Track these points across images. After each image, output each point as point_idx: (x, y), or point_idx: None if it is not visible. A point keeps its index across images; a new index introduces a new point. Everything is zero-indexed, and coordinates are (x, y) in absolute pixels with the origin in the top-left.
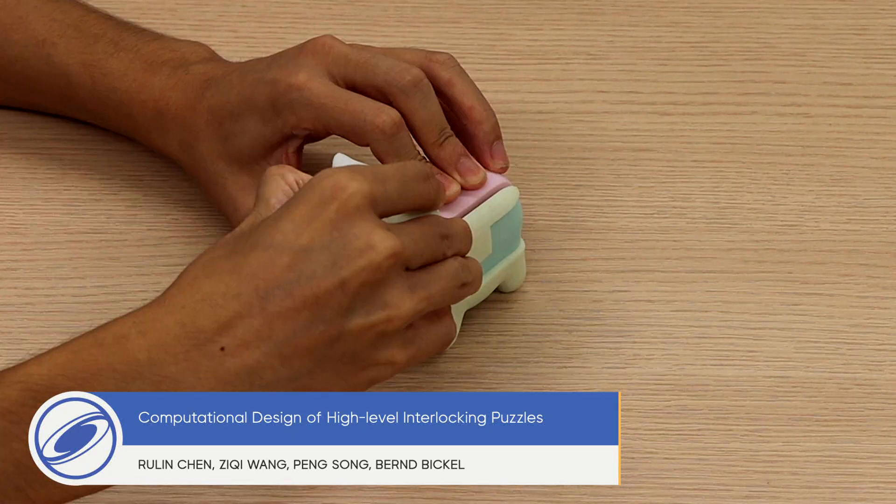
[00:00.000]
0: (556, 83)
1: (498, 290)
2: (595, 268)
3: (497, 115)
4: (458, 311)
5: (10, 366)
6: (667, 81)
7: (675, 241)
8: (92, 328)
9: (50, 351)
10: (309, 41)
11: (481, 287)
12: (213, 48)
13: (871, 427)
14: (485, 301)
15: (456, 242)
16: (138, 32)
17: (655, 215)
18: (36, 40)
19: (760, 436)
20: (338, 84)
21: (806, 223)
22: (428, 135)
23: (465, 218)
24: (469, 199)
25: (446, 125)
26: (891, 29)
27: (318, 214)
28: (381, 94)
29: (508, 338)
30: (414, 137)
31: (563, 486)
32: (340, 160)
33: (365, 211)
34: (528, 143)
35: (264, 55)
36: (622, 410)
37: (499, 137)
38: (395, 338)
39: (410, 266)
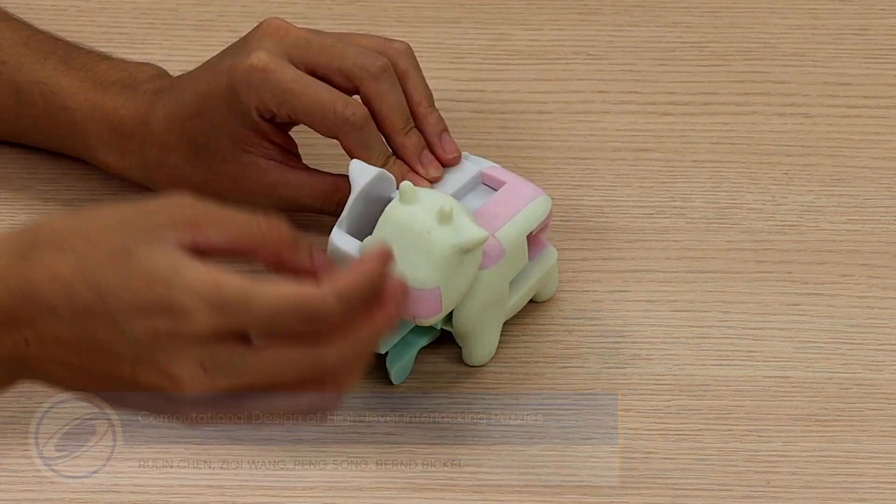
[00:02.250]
0: (556, 83)
1: (532, 301)
2: (595, 268)
3: (497, 115)
4: (496, 323)
5: None
6: (667, 81)
7: (675, 241)
8: None
9: None
10: (261, 23)
11: (518, 298)
12: (213, 48)
13: (871, 427)
14: None
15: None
16: (87, 53)
17: (655, 215)
18: None
19: (760, 436)
20: (298, 68)
21: (806, 223)
22: (395, 122)
23: (501, 230)
24: (504, 211)
25: (409, 115)
26: (891, 29)
27: (155, 315)
28: (346, 80)
29: (508, 338)
30: (378, 124)
31: (563, 485)
32: (357, 168)
33: (199, 342)
34: (528, 143)
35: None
36: (622, 410)
37: (446, 129)
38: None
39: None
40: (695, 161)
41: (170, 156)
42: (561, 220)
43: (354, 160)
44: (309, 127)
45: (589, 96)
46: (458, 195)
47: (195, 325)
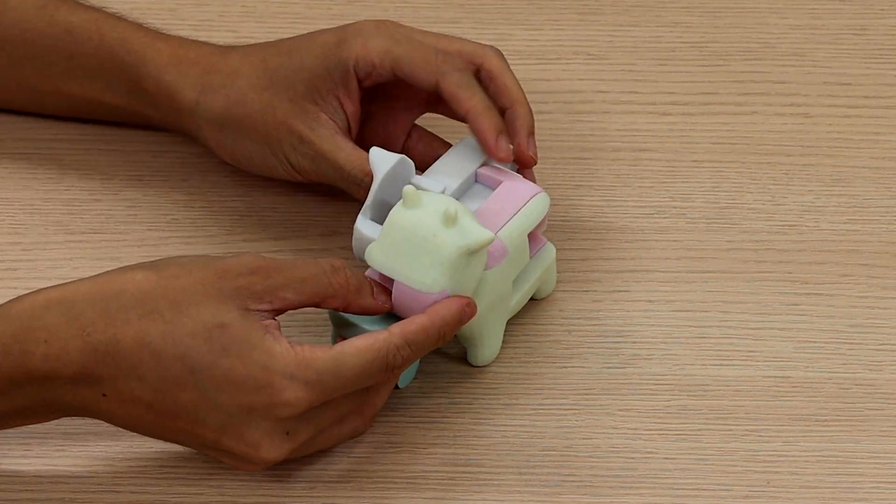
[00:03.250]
0: (556, 83)
1: (532, 298)
2: (595, 268)
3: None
4: (500, 322)
5: None
6: (667, 81)
7: (675, 241)
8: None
9: None
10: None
11: (520, 297)
12: None
13: (871, 427)
14: None
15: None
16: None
17: (655, 215)
18: (37, 4)
19: (760, 436)
20: None
21: (806, 223)
22: (521, 92)
23: (502, 229)
24: (504, 210)
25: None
26: (891, 29)
27: (250, 394)
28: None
29: (508, 338)
30: (502, 97)
31: (563, 485)
32: (377, 155)
33: (290, 417)
34: None
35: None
36: (622, 410)
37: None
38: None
39: None
40: (695, 161)
41: (237, 81)
42: (561, 220)
43: (374, 148)
44: (408, 79)
45: (589, 96)
46: (457, 195)
47: (292, 406)
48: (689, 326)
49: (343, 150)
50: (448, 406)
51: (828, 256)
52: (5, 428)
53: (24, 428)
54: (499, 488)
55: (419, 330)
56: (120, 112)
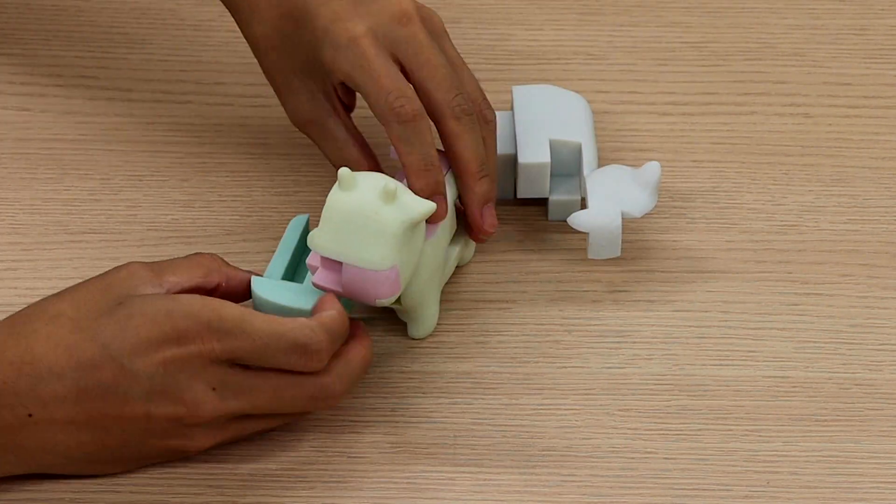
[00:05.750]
0: (556, 83)
1: (457, 266)
2: (595, 268)
3: (497, 115)
4: (437, 292)
5: None
6: (667, 81)
7: (675, 241)
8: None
9: None
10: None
11: (450, 265)
12: (213, 48)
13: (871, 427)
14: (484, 301)
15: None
16: None
17: (655, 215)
18: None
19: (760, 436)
20: (394, 62)
21: (806, 223)
22: (470, 163)
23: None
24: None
25: (485, 162)
26: (891, 29)
27: (161, 346)
28: (429, 103)
29: (508, 338)
30: (453, 163)
31: (563, 485)
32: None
33: (205, 366)
34: None
35: (264, 56)
36: (622, 410)
37: (492, 200)
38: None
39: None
40: (695, 161)
41: (254, 25)
42: (561, 220)
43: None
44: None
45: (589, 96)
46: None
47: (200, 346)
48: (689, 326)
49: (338, 121)
50: (448, 406)
51: (828, 256)
52: None
53: None
54: (499, 488)
55: (335, 315)
56: None
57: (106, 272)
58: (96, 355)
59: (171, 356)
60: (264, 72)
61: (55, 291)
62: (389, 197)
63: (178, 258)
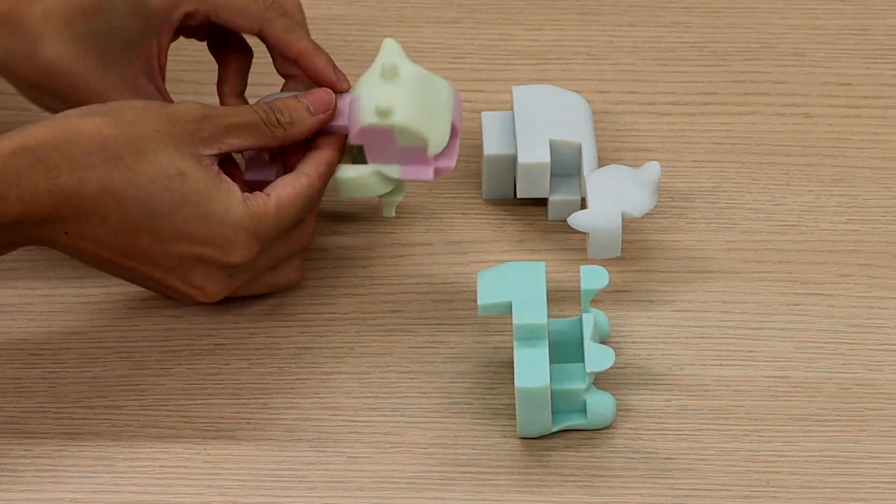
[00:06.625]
0: (556, 83)
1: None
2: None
3: (498, 116)
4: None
5: None
6: (667, 81)
7: (675, 241)
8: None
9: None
10: None
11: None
12: None
13: (871, 427)
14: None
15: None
16: None
17: (655, 215)
18: None
19: (760, 436)
20: None
21: (806, 223)
22: (311, 46)
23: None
24: None
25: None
26: (891, 29)
27: (198, 240)
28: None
29: (508, 338)
30: (297, 53)
31: (562, 485)
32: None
33: (227, 266)
34: None
35: (263, 56)
36: (622, 411)
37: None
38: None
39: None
40: (695, 161)
41: (41, 49)
42: (561, 220)
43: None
44: (227, 26)
45: (589, 96)
46: None
47: (238, 257)
48: (689, 326)
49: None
50: (448, 406)
51: (828, 256)
52: None
53: (24, 428)
54: (499, 488)
55: (329, 163)
56: None
57: (172, 107)
58: (142, 222)
59: (208, 256)
60: (75, 96)
61: (55, 291)
62: (391, 73)
63: (241, 110)
